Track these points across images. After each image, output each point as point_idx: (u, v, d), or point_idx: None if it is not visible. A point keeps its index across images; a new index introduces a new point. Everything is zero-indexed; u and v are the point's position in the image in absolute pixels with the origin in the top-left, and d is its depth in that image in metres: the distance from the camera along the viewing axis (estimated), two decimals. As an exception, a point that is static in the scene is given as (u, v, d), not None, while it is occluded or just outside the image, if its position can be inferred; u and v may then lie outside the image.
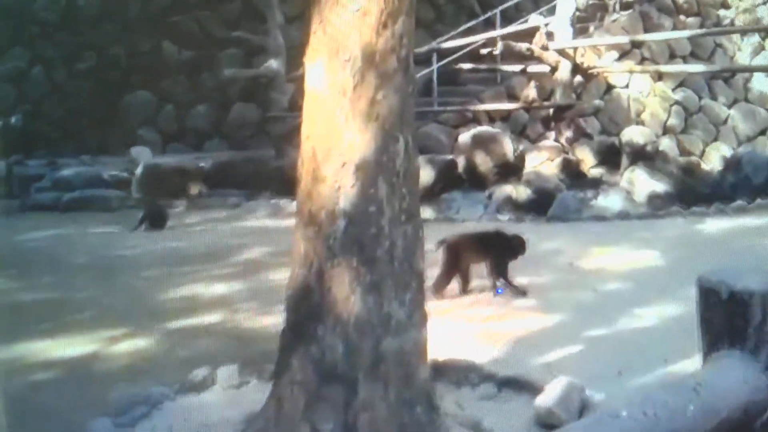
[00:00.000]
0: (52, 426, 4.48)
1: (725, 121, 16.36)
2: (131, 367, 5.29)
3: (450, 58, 13.75)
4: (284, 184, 11.56)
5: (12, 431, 4.28)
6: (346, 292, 3.59)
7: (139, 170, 12.06)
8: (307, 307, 3.68)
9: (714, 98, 16.39)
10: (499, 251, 6.62)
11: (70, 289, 7.20)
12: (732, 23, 17.37)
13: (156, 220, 9.92)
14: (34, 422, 4.46)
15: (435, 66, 13.35)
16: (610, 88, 15.17)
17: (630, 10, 15.88)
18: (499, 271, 6.57)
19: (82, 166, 13.37)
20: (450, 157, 11.56)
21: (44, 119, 16.54)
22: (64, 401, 4.79)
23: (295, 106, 11.03)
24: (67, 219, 10.79)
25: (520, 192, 10.81)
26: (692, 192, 10.72)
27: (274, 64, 13.69)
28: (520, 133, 13.74)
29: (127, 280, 7.29)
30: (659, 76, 15.46)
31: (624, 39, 14.39)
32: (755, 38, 17.42)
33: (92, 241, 9.40)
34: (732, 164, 11.37)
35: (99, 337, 5.85)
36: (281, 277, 5.46)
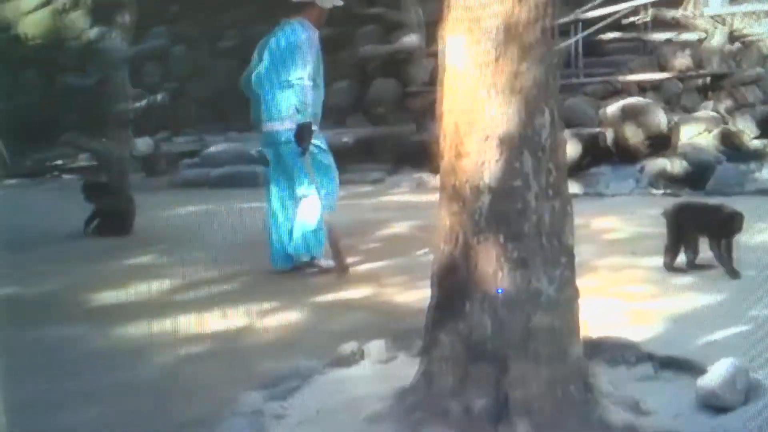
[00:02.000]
0: (204, 398, 4.67)
1: None
2: (280, 341, 5.48)
3: (594, 28, 13.47)
4: (425, 158, 11.67)
5: (164, 404, 4.56)
6: (493, 268, 3.61)
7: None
8: (453, 282, 3.73)
9: None
10: (718, 226, 6.42)
11: (219, 263, 7.51)
12: None
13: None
14: (186, 395, 4.70)
15: (578, 36, 13.11)
16: (770, 55, 14.52)
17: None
18: (715, 246, 6.37)
19: (228, 143, 13.86)
20: (597, 130, 11.35)
21: (189, 97, 17.18)
22: (215, 375, 5.01)
23: (435, 81, 11.01)
24: (215, 194, 11.21)
25: (675, 165, 10.52)
26: None
27: (412, 38, 13.76)
28: (673, 103, 13.34)
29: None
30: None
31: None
32: None
33: (241, 216, 9.73)
34: None
35: (249, 310, 6.08)
36: (426, 251, 5.57)
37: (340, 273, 6.93)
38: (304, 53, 6.82)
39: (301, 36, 6.88)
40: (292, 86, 6.75)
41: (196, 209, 10.30)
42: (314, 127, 6.94)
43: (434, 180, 10.27)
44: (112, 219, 9.06)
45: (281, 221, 7.13)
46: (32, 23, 17.86)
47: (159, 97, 14.01)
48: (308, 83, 6.80)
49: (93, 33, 17.39)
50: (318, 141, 7.04)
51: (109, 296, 6.66)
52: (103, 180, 10.35)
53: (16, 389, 4.78)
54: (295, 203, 7.07)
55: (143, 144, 14.23)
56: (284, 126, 6.87)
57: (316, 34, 7.02)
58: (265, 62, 6.93)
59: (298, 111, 6.74)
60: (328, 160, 7.18)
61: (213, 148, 13.17)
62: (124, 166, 12.52)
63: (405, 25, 14.38)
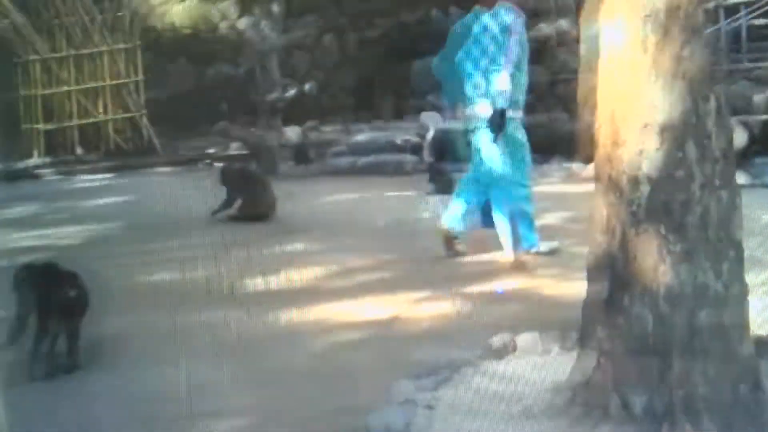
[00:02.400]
0: (357, 386, 4.76)
1: None
2: (432, 331, 5.52)
3: (761, 10, 12.92)
4: (577, 147, 11.49)
5: (319, 390, 4.67)
6: (653, 261, 3.53)
7: (429, 135, 12.46)
8: (610, 275, 3.67)
9: None
10: None
11: (370, 251, 7.62)
12: None
13: (443, 184, 10.19)
14: (340, 382, 4.80)
15: (744, 19, 12.60)
16: None
17: None
18: None
19: (375, 132, 14.04)
20: (765, 117, 10.90)
21: (337, 86, 17.47)
22: (368, 363, 5.09)
23: (585, 67, 10.89)
24: (362, 183, 11.37)
25: None
26: None
27: (562, 24, 13.56)
28: None
29: (427, 243, 7.57)
30: None
31: None
32: None
33: (389, 204, 9.85)
34: None
35: (400, 299, 6.16)
36: (580, 242, 5.49)
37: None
38: (514, 38, 6.84)
39: (513, 20, 6.90)
40: (495, 71, 6.76)
41: (344, 197, 10.48)
42: (517, 113, 6.97)
43: (586, 170, 10.14)
44: (250, 205, 9.22)
45: (464, 200, 7.21)
46: (182, 13, 18.52)
47: (307, 86, 14.30)
48: (510, 69, 6.79)
49: (243, 22, 17.90)
50: (516, 126, 7.02)
51: (263, 282, 6.86)
52: (239, 166, 10.53)
53: (174, 373, 5.02)
54: (482, 187, 7.10)
55: (292, 133, 14.57)
56: (481, 110, 6.89)
57: (521, 19, 7.03)
58: (471, 46, 6.94)
59: (495, 96, 6.76)
60: (524, 146, 7.14)
61: (360, 137, 13.37)
62: (274, 154, 12.91)
63: (553, 11, 14.19)
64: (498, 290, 6.26)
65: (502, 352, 4.77)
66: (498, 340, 4.85)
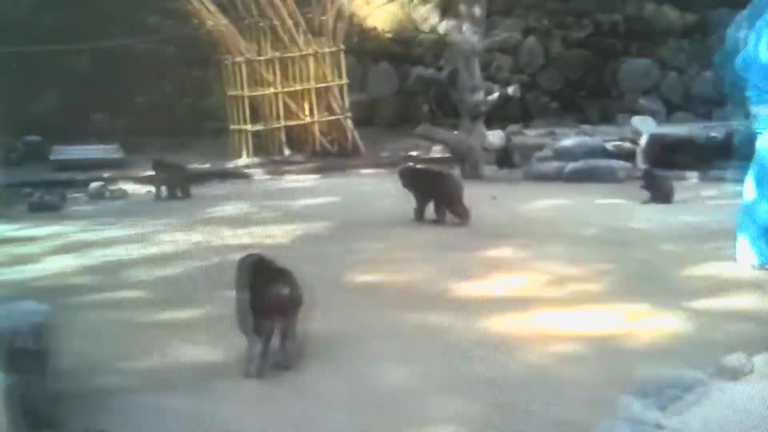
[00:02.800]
0: (575, 399, 4.60)
1: None
2: (655, 346, 5.26)
3: None
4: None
5: (534, 401, 4.53)
6: None
7: (643, 140, 12.03)
8: None
9: None
10: None
11: (580, 260, 7.38)
12: None
13: (660, 193, 9.80)
14: (557, 393, 4.66)
15: None
16: None
17: None
18: None
19: (582, 136, 13.71)
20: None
21: (540, 89, 17.20)
22: (586, 375, 4.92)
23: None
24: (570, 189, 11.10)
25: None
26: None
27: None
28: None
29: (642, 253, 7.27)
30: None
31: None
32: None
33: (599, 212, 9.54)
34: None
35: (617, 311, 5.91)
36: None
37: None
38: None
39: None
40: None
41: (551, 203, 10.23)
42: None
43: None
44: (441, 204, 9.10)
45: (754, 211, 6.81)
46: (384, 17, 18.76)
47: (511, 89, 14.12)
48: None
49: (444, 25, 17.94)
50: None
51: (470, 287, 6.77)
52: (420, 167, 10.51)
53: (386, 375, 5.02)
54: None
55: (495, 137, 14.45)
56: None
57: None
58: None
59: None
60: None
61: (566, 142, 13.07)
62: (477, 157, 12.83)
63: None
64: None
65: (737, 373, 4.45)
66: (732, 359, 4.53)
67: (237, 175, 14.14)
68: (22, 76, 17.54)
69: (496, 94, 13.86)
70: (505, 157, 13.35)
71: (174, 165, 12.25)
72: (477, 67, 13.47)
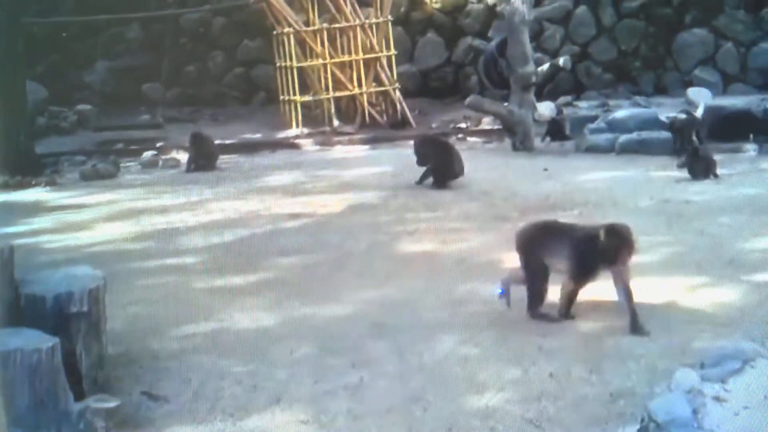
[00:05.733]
0: (634, 370, 4.58)
1: None
2: (713, 318, 5.21)
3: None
4: None
5: (595, 371, 4.51)
6: None
7: (699, 112, 11.82)
8: None
9: None
10: None
11: (636, 231, 7.26)
12: None
13: (700, 168, 9.61)
14: (612, 366, 4.64)
15: None
16: None
17: None
18: None
19: (636, 108, 13.51)
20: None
21: (592, 60, 16.98)
22: (645, 346, 4.88)
23: None
24: (623, 161, 10.96)
25: None
26: None
27: None
28: None
29: (699, 225, 7.17)
30: None
31: None
32: None
33: (654, 184, 9.41)
34: None
35: (674, 283, 5.85)
36: None
37: None
38: None
39: None
40: None
41: (604, 175, 10.08)
42: None
43: None
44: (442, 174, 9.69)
45: None
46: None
47: (561, 60, 13.94)
48: None
49: (493, -5, 17.75)
50: None
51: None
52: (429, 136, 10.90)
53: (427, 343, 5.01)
54: None
55: (546, 108, 14.29)
56: None
57: None
58: None
59: None
60: None
61: (619, 113, 12.87)
62: (528, 129, 12.71)
63: None
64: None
65: (799, 347, 4.41)
66: (794, 332, 4.48)
67: (287, 145, 14.17)
68: (74, 46, 17.79)
69: (546, 65, 13.70)
70: (556, 129, 13.20)
71: (202, 138, 12.29)
72: (527, 38, 13.30)
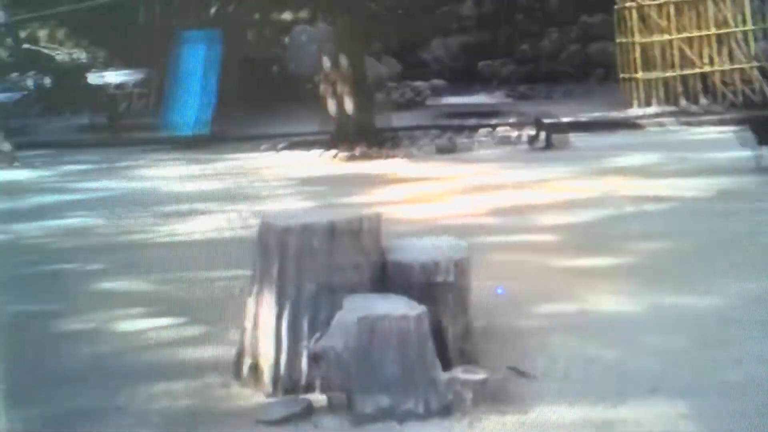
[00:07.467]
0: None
1: None
2: None
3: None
4: None
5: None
6: None
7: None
8: None
9: None
10: None
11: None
12: None
13: None
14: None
15: None
16: None
17: None
18: None
19: None
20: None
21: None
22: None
23: None
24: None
25: None
26: None
27: None
28: None
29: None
30: None
31: None
32: None
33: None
34: None
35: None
36: None
37: None
38: None
39: None
40: None
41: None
42: None
43: None
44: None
45: None
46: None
47: None
48: None
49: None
50: None
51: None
52: None
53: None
54: None
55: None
56: None
57: None
58: None
59: None
60: None
61: None
62: None
63: None
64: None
65: None
66: None
67: (628, 125, 13.74)
68: (415, 25, 18.36)
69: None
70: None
71: (551, 116, 12.31)
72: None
